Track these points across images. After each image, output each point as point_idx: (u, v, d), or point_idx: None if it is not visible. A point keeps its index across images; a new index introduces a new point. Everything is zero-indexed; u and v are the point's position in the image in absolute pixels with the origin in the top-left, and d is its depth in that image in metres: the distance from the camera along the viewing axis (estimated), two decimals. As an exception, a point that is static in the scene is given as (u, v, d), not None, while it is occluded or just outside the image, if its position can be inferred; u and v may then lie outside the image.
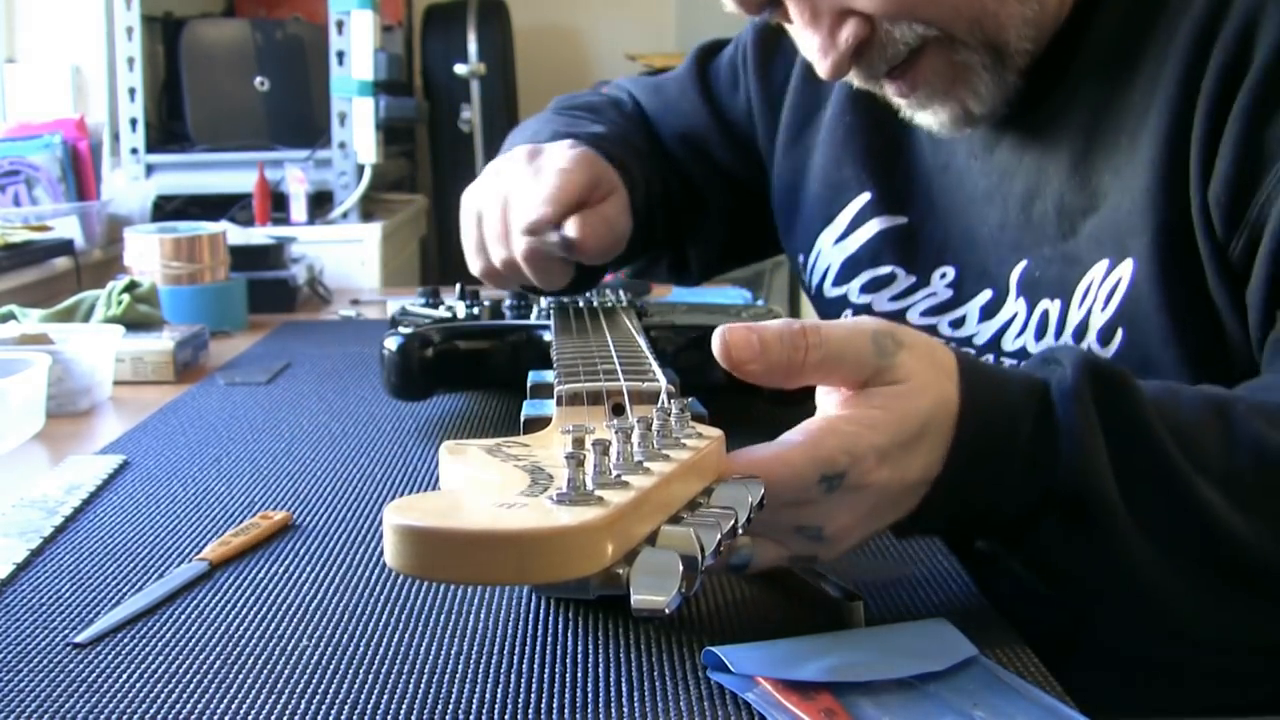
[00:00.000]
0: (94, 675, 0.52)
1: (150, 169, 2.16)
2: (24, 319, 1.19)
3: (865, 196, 0.93)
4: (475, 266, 0.89)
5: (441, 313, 1.00)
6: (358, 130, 2.15)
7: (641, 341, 0.76)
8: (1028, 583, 0.61)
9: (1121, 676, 0.73)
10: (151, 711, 0.49)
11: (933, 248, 0.88)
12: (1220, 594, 0.59)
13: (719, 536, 0.45)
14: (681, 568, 0.42)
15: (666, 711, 0.49)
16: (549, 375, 0.66)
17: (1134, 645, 0.72)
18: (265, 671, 0.53)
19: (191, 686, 0.51)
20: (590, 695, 0.51)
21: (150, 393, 1.08)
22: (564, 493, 0.41)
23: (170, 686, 0.51)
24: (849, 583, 0.59)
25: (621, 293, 1.00)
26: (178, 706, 0.50)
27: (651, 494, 0.44)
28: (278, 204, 2.11)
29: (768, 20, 0.84)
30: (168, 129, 2.37)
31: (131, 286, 1.23)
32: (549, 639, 0.56)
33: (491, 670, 0.53)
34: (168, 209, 2.11)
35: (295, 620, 0.58)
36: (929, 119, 0.81)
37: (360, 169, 2.17)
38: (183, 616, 0.59)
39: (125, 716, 0.49)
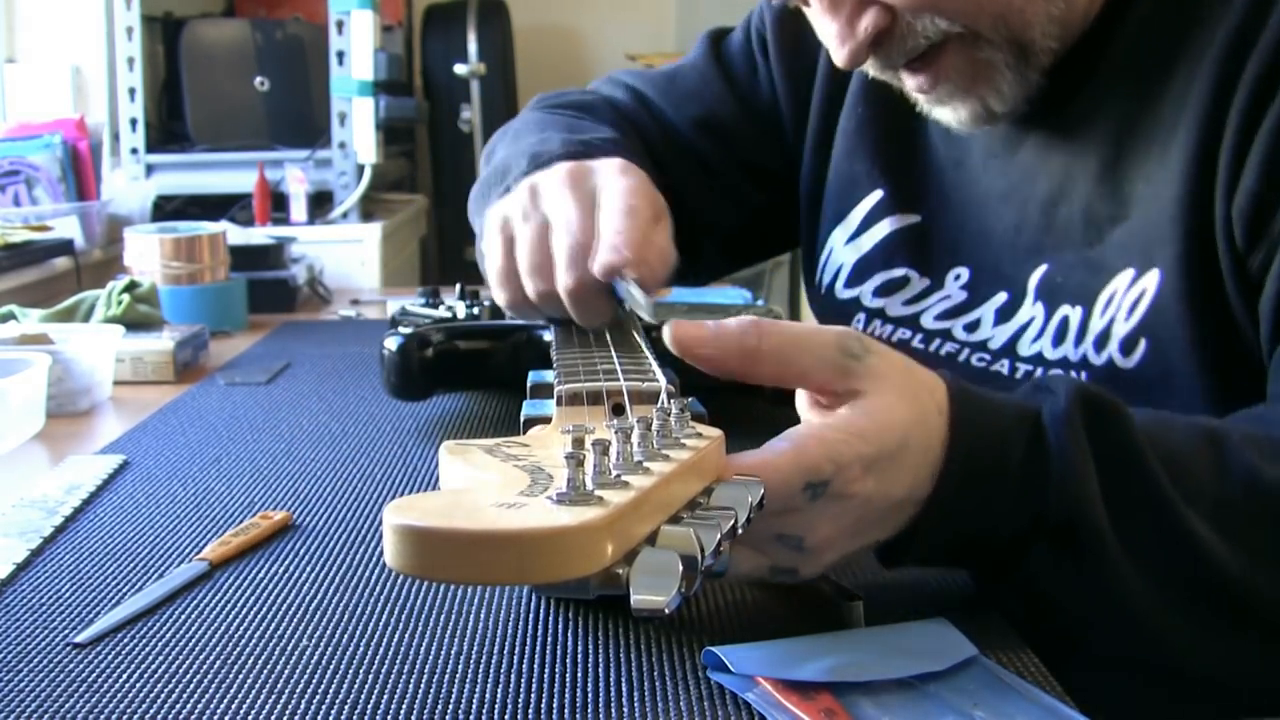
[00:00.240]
0: (94, 675, 0.52)
1: (150, 169, 2.16)
2: (24, 319, 1.19)
3: (877, 194, 0.91)
4: (502, 296, 0.78)
5: (441, 313, 1.00)
6: (358, 130, 2.15)
7: (641, 341, 0.76)
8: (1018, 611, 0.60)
9: (1122, 676, 0.73)
10: (151, 711, 0.49)
11: (945, 247, 0.87)
12: (1209, 626, 0.59)
13: (719, 536, 0.45)
14: (681, 568, 0.42)
15: (666, 711, 0.49)
16: (549, 375, 0.66)
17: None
18: (265, 671, 0.53)
19: (191, 686, 0.51)
20: (590, 695, 0.51)
21: (150, 393, 1.08)
22: (564, 493, 0.41)
23: (170, 686, 0.51)
24: (849, 583, 0.59)
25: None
26: (178, 706, 0.50)
27: (651, 494, 0.44)
28: (278, 204, 2.11)
29: (785, 2, 0.82)
30: (168, 129, 2.37)
31: (131, 286, 1.23)
32: (549, 639, 0.56)
33: (491, 670, 0.53)
34: (168, 209, 2.11)
35: (295, 620, 0.58)
36: (947, 115, 0.79)
37: (360, 169, 2.17)
38: (183, 616, 0.59)
39: (125, 716, 0.49)
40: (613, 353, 0.68)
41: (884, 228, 0.91)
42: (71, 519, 0.73)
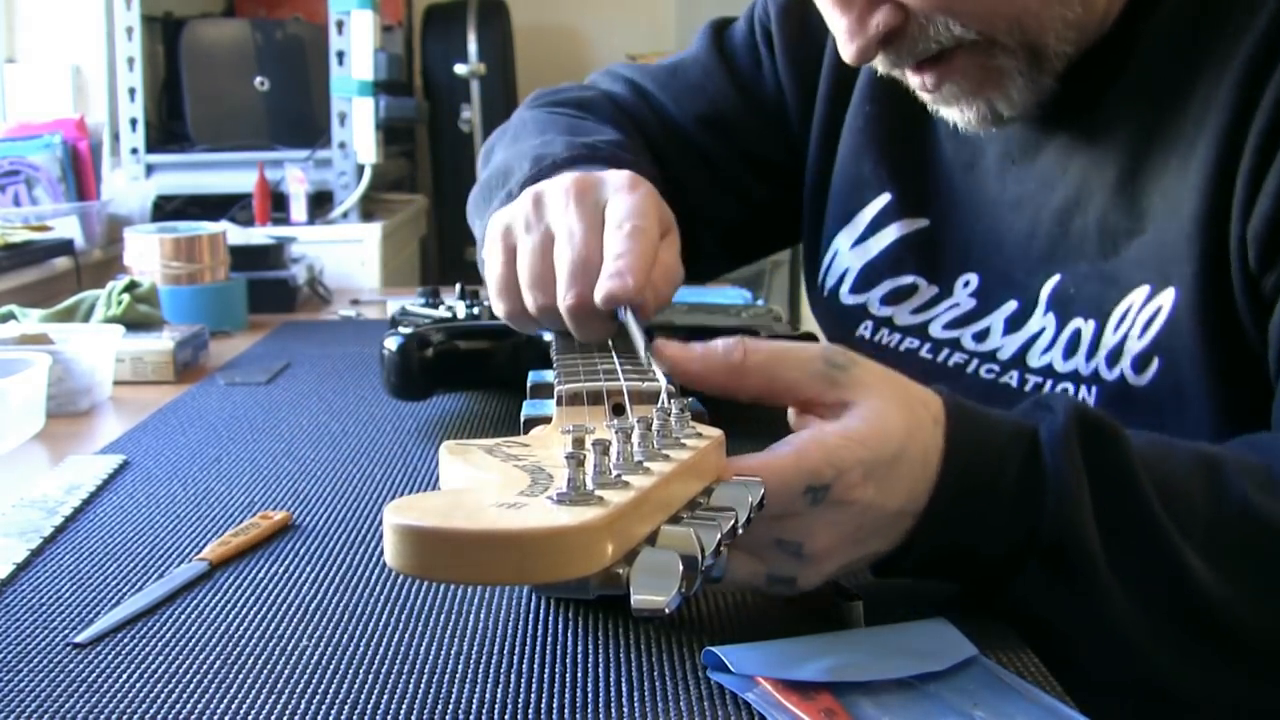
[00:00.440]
0: (94, 675, 0.52)
1: (150, 169, 2.16)
2: (24, 319, 1.19)
3: (885, 198, 0.90)
4: (500, 307, 0.74)
5: (441, 313, 0.99)
6: (358, 130, 2.15)
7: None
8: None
9: (1113, 698, 0.73)
10: (151, 711, 0.49)
11: (954, 252, 0.86)
12: (1196, 652, 0.59)
13: (719, 536, 0.45)
14: (681, 568, 0.42)
15: (666, 711, 0.49)
16: (549, 375, 0.65)
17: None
18: (265, 671, 0.53)
19: (191, 686, 0.51)
20: (590, 695, 0.51)
21: (150, 393, 1.08)
22: (564, 493, 0.41)
23: (170, 686, 0.51)
24: (849, 583, 0.59)
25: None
26: (178, 706, 0.50)
27: (651, 494, 0.44)
28: (278, 204, 2.11)
29: None
30: (168, 129, 2.37)
31: (131, 286, 1.23)
32: (549, 639, 0.56)
33: (491, 670, 0.53)
34: (168, 209, 2.11)
35: (295, 620, 0.58)
36: (954, 114, 0.78)
37: (360, 169, 2.17)
38: (183, 616, 0.59)
39: (125, 716, 0.49)
40: (613, 353, 0.68)
41: (891, 233, 0.90)
42: (71, 519, 0.73)
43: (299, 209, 2.10)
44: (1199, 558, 0.57)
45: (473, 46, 3.35)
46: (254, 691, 0.51)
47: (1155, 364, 0.72)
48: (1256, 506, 0.58)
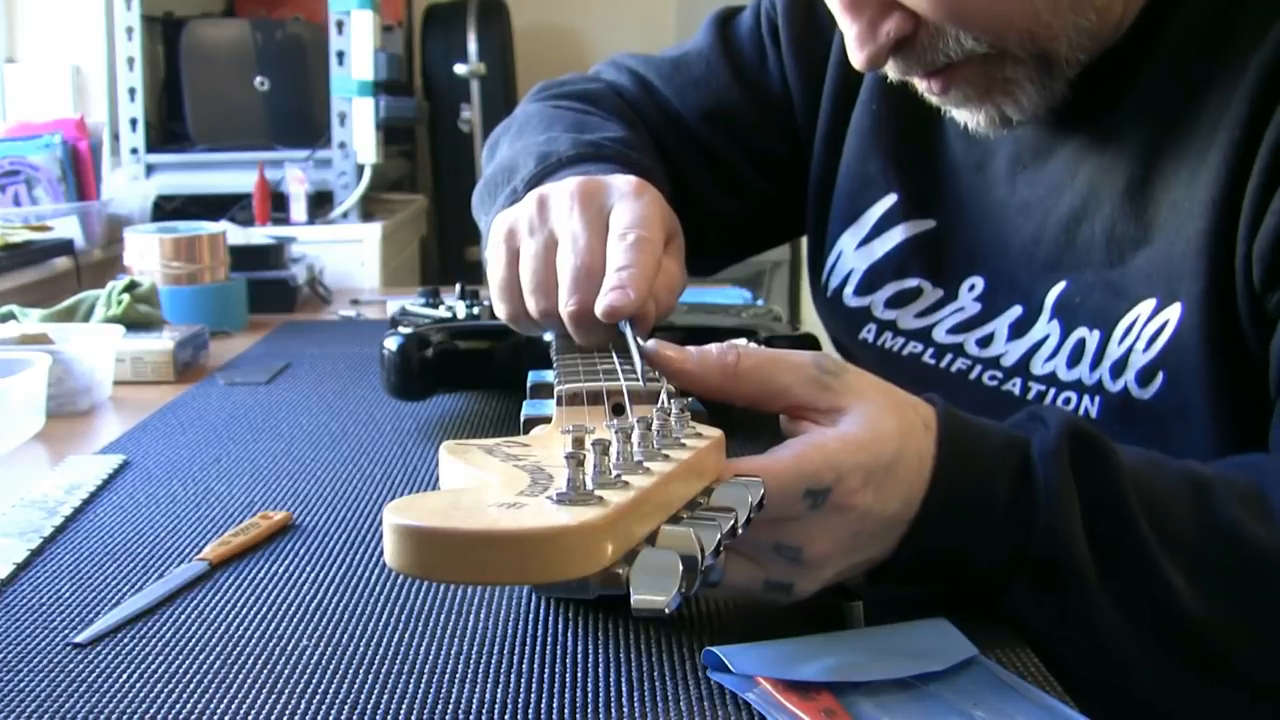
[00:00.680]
0: (94, 675, 0.52)
1: (150, 169, 2.16)
2: (24, 319, 1.19)
3: (891, 199, 0.89)
4: (502, 309, 0.74)
5: (441, 313, 0.99)
6: (358, 130, 2.15)
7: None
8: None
9: (1100, 708, 0.73)
10: (151, 711, 0.49)
11: (960, 255, 0.86)
12: (1180, 671, 0.59)
13: (719, 536, 0.45)
14: (681, 568, 0.42)
15: (666, 711, 0.49)
16: (549, 375, 0.66)
17: None
18: (265, 671, 0.53)
19: (191, 686, 0.51)
20: (590, 695, 0.51)
21: (150, 393, 1.08)
22: (564, 493, 0.41)
23: (170, 686, 0.51)
24: (849, 582, 0.59)
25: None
26: (178, 706, 0.50)
27: (651, 494, 0.44)
28: (278, 204, 2.11)
29: None
30: (168, 129, 2.37)
31: (131, 286, 1.23)
32: (549, 639, 0.56)
33: (491, 670, 0.53)
34: (168, 209, 2.11)
35: (295, 620, 0.58)
36: (964, 116, 0.78)
37: (360, 169, 2.17)
38: (183, 616, 0.59)
39: (125, 716, 0.49)
40: (613, 353, 0.68)
41: (897, 234, 0.89)
42: (71, 519, 0.73)
43: (299, 209, 2.10)
44: (1183, 578, 0.57)
45: (473, 46, 3.35)
46: (254, 691, 0.51)
47: (1160, 378, 0.72)
48: (1243, 530, 0.58)
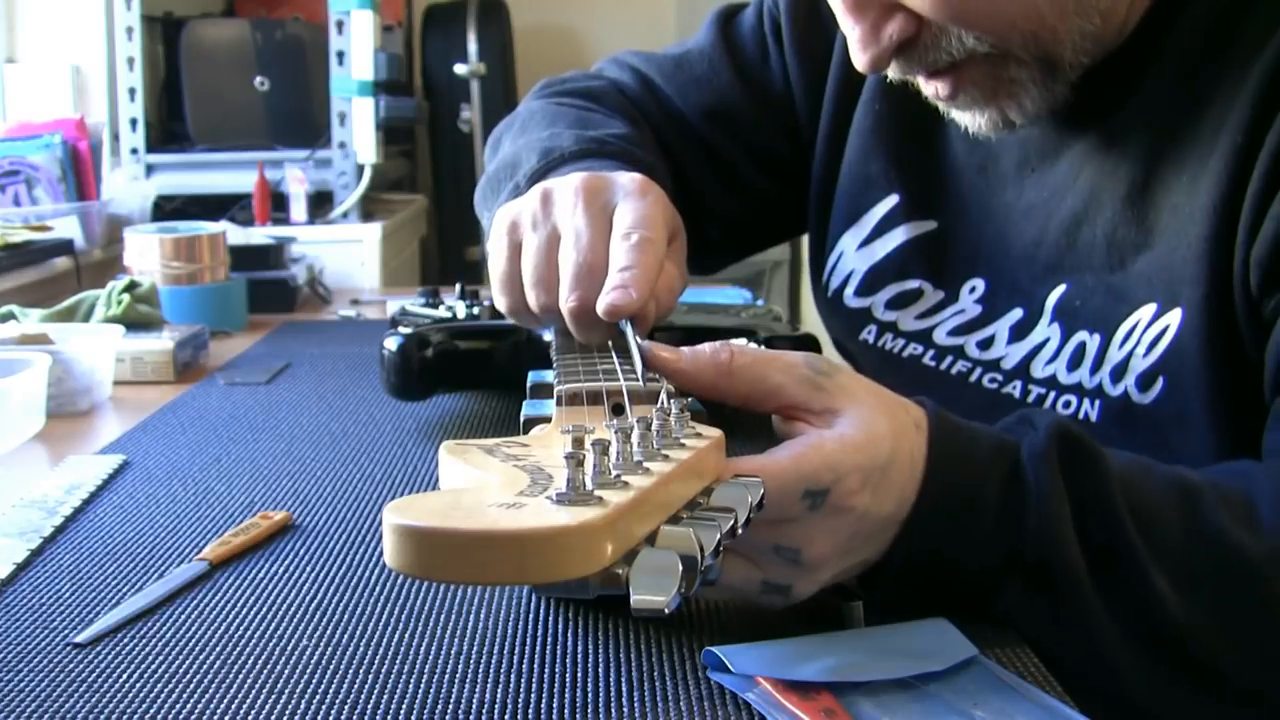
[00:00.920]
0: (94, 675, 0.52)
1: (150, 169, 2.16)
2: (24, 319, 1.19)
3: (893, 199, 0.89)
4: (502, 302, 0.74)
5: (441, 313, 0.99)
6: (358, 130, 2.15)
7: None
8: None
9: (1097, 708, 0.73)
10: (151, 711, 0.49)
11: (961, 256, 0.85)
12: (1167, 676, 0.59)
13: (719, 536, 0.45)
14: (681, 568, 0.42)
15: (666, 711, 0.49)
16: (549, 375, 0.65)
17: None
18: (265, 671, 0.53)
19: (191, 686, 0.51)
20: (590, 695, 0.51)
21: (150, 393, 1.08)
22: (563, 493, 0.41)
23: (170, 686, 0.51)
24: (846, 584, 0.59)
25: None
26: (178, 706, 0.50)
27: (651, 494, 0.44)
28: (278, 204, 2.11)
29: None
30: (168, 129, 2.37)
31: (131, 286, 1.24)
32: (549, 639, 0.56)
33: (491, 670, 0.53)
34: (168, 209, 2.11)
35: (295, 620, 0.58)
36: (966, 119, 0.77)
37: (360, 169, 2.17)
38: (183, 616, 0.59)
39: (125, 716, 0.49)
40: (613, 353, 0.68)
41: (898, 235, 0.89)
42: (71, 519, 0.73)
43: (299, 209, 2.10)
44: (1169, 583, 0.57)
45: (473, 46, 3.35)
46: (254, 691, 0.51)
47: (1160, 383, 0.72)
48: (1230, 537, 0.58)
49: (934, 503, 0.56)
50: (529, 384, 0.67)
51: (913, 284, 0.88)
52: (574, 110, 0.96)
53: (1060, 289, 0.78)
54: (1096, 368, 0.75)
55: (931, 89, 0.76)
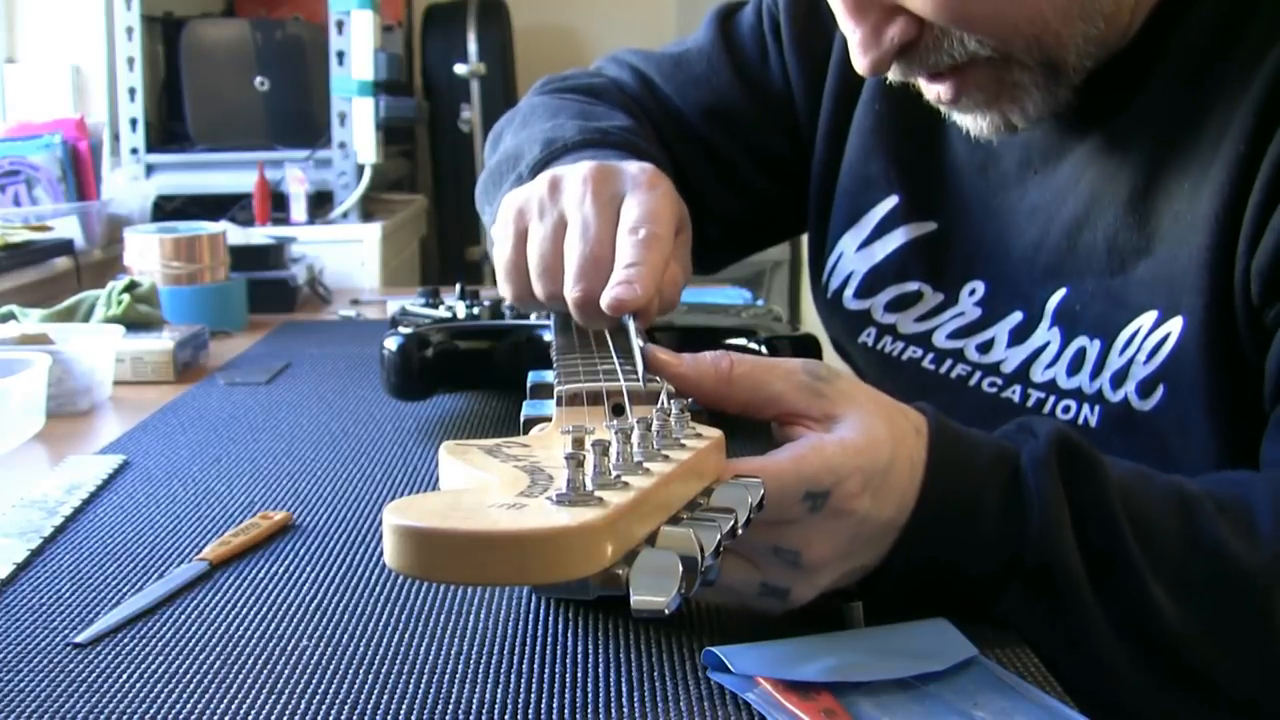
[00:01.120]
0: (94, 675, 0.52)
1: (150, 169, 2.16)
2: (24, 319, 1.19)
3: (893, 200, 0.89)
4: (507, 290, 0.73)
5: (441, 313, 0.99)
6: (358, 130, 2.15)
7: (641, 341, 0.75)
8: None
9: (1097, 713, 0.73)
10: (151, 711, 0.49)
11: (961, 258, 0.85)
12: (1163, 685, 0.59)
13: (719, 537, 0.45)
14: (681, 568, 0.42)
15: (666, 712, 0.49)
16: (549, 375, 0.65)
17: None
18: (265, 671, 0.53)
19: (191, 686, 0.51)
20: (590, 695, 0.51)
21: (150, 393, 1.08)
22: (564, 493, 0.41)
23: (170, 686, 0.51)
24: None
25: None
26: (178, 706, 0.50)
27: (651, 494, 0.44)
28: (278, 204, 2.11)
29: None
30: (168, 129, 2.37)
31: (131, 286, 1.23)
32: (549, 639, 0.56)
33: (491, 670, 0.53)
34: (168, 209, 2.11)
35: (295, 620, 0.58)
36: (967, 121, 0.77)
37: (360, 169, 2.17)
38: (183, 616, 0.59)
39: (125, 716, 0.49)
40: (613, 353, 0.68)
41: (898, 237, 0.88)
42: (71, 519, 0.73)
43: (299, 209, 2.10)
44: (1166, 593, 0.57)
45: (473, 46, 3.35)
46: (254, 691, 0.51)
47: (1160, 391, 0.71)
48: (1227, 548, 0.58)
49: (934, 508, 0.56)
50: (529, 384, 0.67)
51: (912, 286, 0.88)
52: (576, 103, 0.96)
53: (1060, 293, 0.78)
54: (1096, 373, 0.75)
55: (933, 92, 0.75)
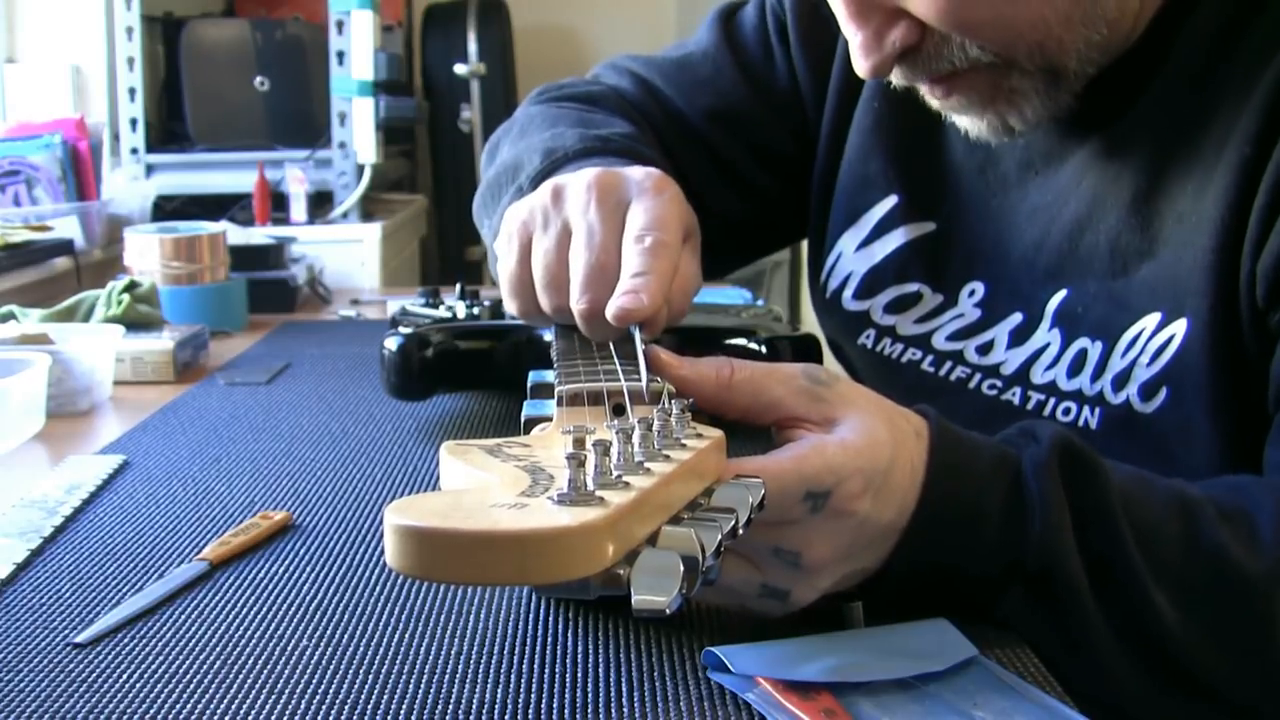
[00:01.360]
0: (94, 675, 0.52)
1: (150, 169, 2.16)
2: (24, 319, 1.19)
3: (892, 200, 0.89)
4: (513, 305, 0.72)
5: (441, 313, 0.99)
6: (358, 130, 2.15)
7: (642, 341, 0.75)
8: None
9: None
10: (151, 711, 0.49)
11: (961, 259, 0.85)
12: (1163, 690, 0.59)
13: (720, 537, 0.45)
14: (682, 568, 0.42)
15: (666, 711, 0.49)
16: (549, 375, 0.65)
17: None
18: (265, 671, 0.53)
19: (191, 686, 0.51)
20: (590, 695, 0.51)
21: (150, 393, 1.08)
22: (564, 493, 0.41)
23: (170, 686, 0.51)
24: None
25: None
26: (178, 706, 0.50)
27: (652, 494, 0.44)
28: (278, 204, 2.11)
29: None
30: (168, 129, 2.37)
31: (131, 286, 1.23)
32: (549, 639, 0.56)
33: (491, 670, 0.53)
34: (168, 209, 2.11)
35: (295, 620, 0.58)
36: (965, 122, 0.77)
37: (360, 169, 2.17)
38: (183, 616, 0.59)
39: (125, 716, 0.49)
40: (613, 353, 0.68)
41: (897, 237, 0.88)
42: (71, 519, 0.73)
43: (299, 209, 2.10)
44: (1166, 599, 0.57)
45: (473, 46, 3.35)
46: (254, 691, 0.51)
47: (1163, 393, 0.71)
48: (1228, 553, 0.58)
49: (935, 512, 0.56)
50: (529, 384, 0.67)
51: (911, 287, 0.88)
52: (575, 111, 0.95)
53: (1061, 294, 0.78)
54: (1097, 375, 0.75)
55: (930, 91, 0.75)
